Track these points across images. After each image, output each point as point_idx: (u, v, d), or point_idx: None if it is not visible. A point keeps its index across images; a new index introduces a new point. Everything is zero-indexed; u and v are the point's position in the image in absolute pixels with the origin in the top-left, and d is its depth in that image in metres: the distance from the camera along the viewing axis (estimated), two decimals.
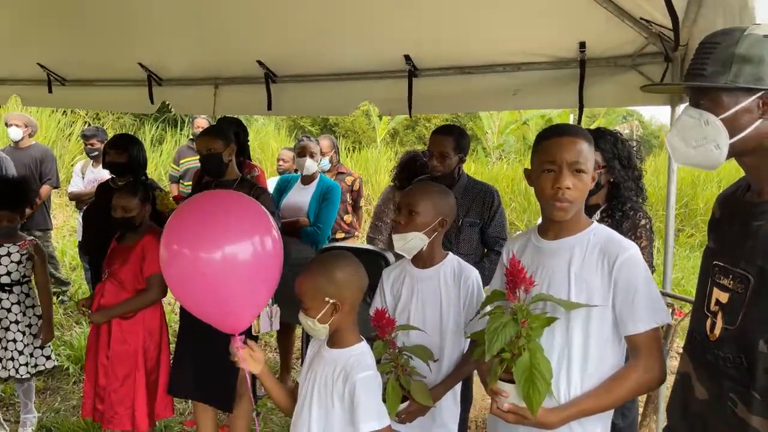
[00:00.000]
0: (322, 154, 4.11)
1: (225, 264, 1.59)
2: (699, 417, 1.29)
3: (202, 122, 5.34)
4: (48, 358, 3.18)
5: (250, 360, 1.68)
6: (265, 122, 11.69)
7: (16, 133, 4.89)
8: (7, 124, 4.99)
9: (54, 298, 4.84)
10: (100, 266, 2.93)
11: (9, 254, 3.05)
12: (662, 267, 2.80)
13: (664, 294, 2.56)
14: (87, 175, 4.94)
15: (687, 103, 1.31)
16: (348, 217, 4.48)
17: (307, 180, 3.80)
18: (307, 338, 2.99)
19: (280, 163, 4.89)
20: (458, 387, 1.95)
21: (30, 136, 5.01)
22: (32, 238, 3.23)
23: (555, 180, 1.47)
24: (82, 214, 4.72)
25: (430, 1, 2.63)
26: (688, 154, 1.29)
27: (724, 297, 1.24)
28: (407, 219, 1.88)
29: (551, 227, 1.56)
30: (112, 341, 2.72)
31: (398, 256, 2.08)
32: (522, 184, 9.94)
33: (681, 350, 4.12)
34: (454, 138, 2.80)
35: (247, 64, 3.55)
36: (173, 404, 2.91)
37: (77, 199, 4.99)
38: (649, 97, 2.70)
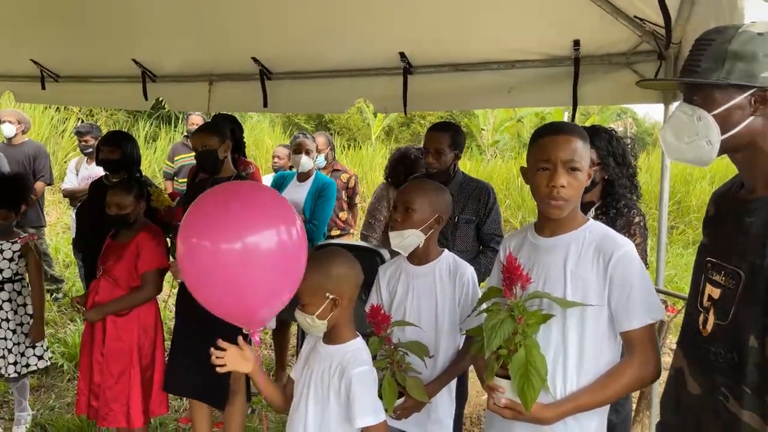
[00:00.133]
0: (318, 151, 4.11)
1: (247, 255, 1.52)
2: (692, 411, 1.31)
3: (196, 119, 5.34)
4: (40, 357, 3.15)
5: (240, 360, 1.64)
6: (260, 119, 11.67)
7: (9, 129, 4.87)
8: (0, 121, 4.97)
9: (48, 296, 4.83)
10: (94, 263, 2.92)
11: (2, 251, 3.03)
12: (655, 264, 2.83)
13: (657, 291, 2.58)
14: (81, 172, 4.92)
15: (681, 100, 1.32)
16: (343, 215, 4.48)
17: (303, 177, 3.80)
18: (302, 335, 3.00)
19: (275, 160, 4.88)
20: (453, 383, 1.97)
21: (23, 132, 4.99)
22: (27, 234, 3.21)
23: (550, 178, 1.48)
24: (75, 211, 4.71)
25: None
26: (681, 150, 1.30)
27: (716, 293, 1.26)
28: (404, 216, 1.89)
29: (547, 224, 1.57)
30: (106, 338, 2.71)
31: (393, 253, 2.09)
32: (516, 182, 9.97)
33: (674, 346, 4.14)
34: (450, 135, 2.81)
35: (241, 61, 3.54)
36: (168, 401, 2.91)
37: (71, 196, 4.97)
38: (643, 95, 2.71)
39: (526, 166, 1.58)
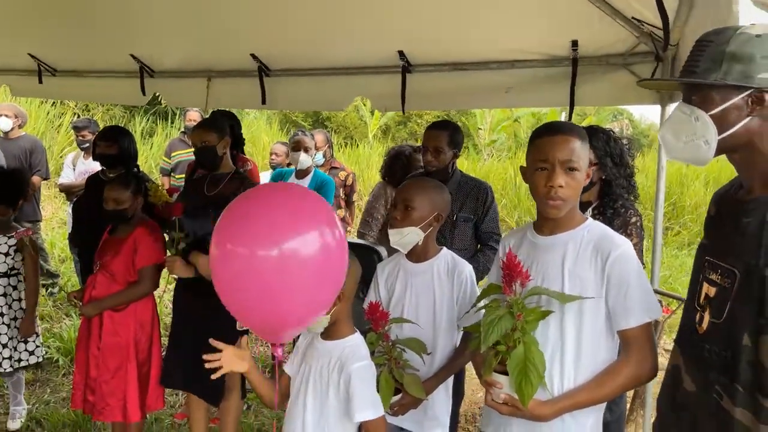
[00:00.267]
0: (317, 148, 4.11)
1: (286, 262, 1.41)
2: (687, 409, 1.32)
3: (194, 115, 5.32)
4: (31, 353, 3.15)
5: (236, 360, 1.63)
6: (257, 116, 11.64)
7: (5, 123, 4.84)
8: None
9: (43, 290, 4.82)
10: (90, 258, 2.92)
11: None
12: (650, 264, 2.84)
13: (655, 291, 2.60)
14: (78, 167, 4.91)
15: (677, 102, 1.34)
16: (341, 212, 4.49)
17: (301, 174, 3.81)
18: None
19: (273, 157, 4.88)
20: (450, 380, 1.98)
21: (20, 126, 4.97)
22: (25, 228, 3.21)
23: (548, 178, 1.49)
24: (72, 206, 4.69)
25: None
26: (679, 149, 1.31)
27: (712, 291, 1.27)
28: (403, 214, 1.90)
29: (546, 223, 1.59)
30: (103, 333, 2.71)
31: (391, 251, 2.10)
32: (513, 181, 10.00)
33: (668, 347, 4.18)
34: (449, 133, 2.83)
35: (240, 58, 3.54)
36: (164, 396, 2.91)
37: (67, 190, 4.96)
38: (640, 96, 2.73)
39: (525, 165, 1.59)
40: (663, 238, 2.78)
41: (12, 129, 4.88)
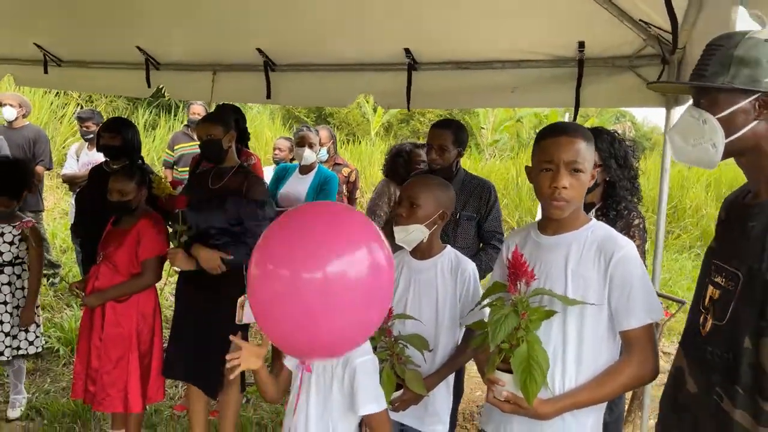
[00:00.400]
0: (321, 144, 4.12)
1: (331, 285, 1.34)
2: (689, 410, 1.33)
3: (198, 108, 5.33)
4: (31, 343, 3.15)
5: (253, 358, 1.61)
6: (260, 111, 11.65)
7: (9, 113, 4.85)
8: (0, 104, 4.95)
9: (44, 281, 4.82)
10: (93, 249, 2.93)
11: (2, 234, 3.04)
12: (651, 267, 2.85)
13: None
14: (81, 158, 4.92)
15: (682, 105, 1.35)
16: None
17: (305, 170, 3.81)
18: None
19: (276, 152, 4.88)
20: (451, 378, 1.99)
21: (24, 116, 4.98)
22: (30, 219, 3.22)
23: (552, 179, 1.50)
24: (75, 196, 4.70)
25: None
26: (687, 152, 1.32)
27: (716, 294, 1.28)
28: (409, 211, 1.91)
29: (550, 223, 1.60)
30: (105, 324, 2.72)
31: (393, 248, 2.11)
32: (515, 181, 10.00)
33: (666, 349, 4.20)
34: (453, 131, 2.83)
35: (246, 52, 3.54)
36: (165, 388, 2.93)
37: (71, 181, 4.96)
38: (645, 99, 2.73)
39: (530, 165, 1.60)
40: (663, 241, 2.79)
41: (16, 118, 4.88)
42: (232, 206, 2.63)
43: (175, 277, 3.03)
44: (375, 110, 12.99)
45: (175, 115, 10.23)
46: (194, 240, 2.66)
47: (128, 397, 2.70)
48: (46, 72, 4.20)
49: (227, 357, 1.57)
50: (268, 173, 4.28)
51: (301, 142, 3.77)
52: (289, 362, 1.76)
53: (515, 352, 1.39)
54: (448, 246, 2.02)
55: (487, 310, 1.53)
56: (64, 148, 8.07)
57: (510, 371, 1.41)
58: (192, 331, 2.74)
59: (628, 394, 2.94)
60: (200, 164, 3.25)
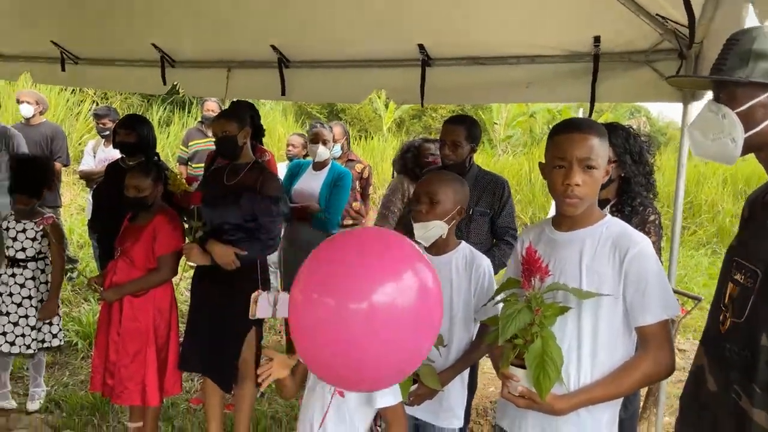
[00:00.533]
0: (335, 141, 4.13)
1: (379, 315, 1.29)
2: (708, 408, 1.33)
3: (212, 105, 5.36)
4: (54, 336, 3.23)
5: (282, 367, 1.64)
6: (273, 107, 11.68)
7: (27, 110, 4.92)
8: (18, 101, 5.02)
9: None
10: (110, 244, 2.97)
11: (25, 231, 3.10)
12: (667, 263, 2.83)
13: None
14: (98, 154, 4.97)
15: (699, 100, 1.35)
16: (356, 205, 4.51)
17: (318, 166, 3.83)
18: None
19: (290, 148, 4.91)
20: (466, 373, 2.00)
21: (41, 113, 5.04)
22: (50, 215, 3.28)
23: (565, 176, 1.50)
24: (92, 192, 4.76)
25: None
26: (707, 147, 1.32)
27: (735, 291, 1.28)
28: (428, 207, 1.92)
29: (564, 220, 1.59)
30: (123, 318, 2.76)
31: None
32: (528, 177, 9.95)
33: (682, 346, 4.15)
34: (466, 127, 2.83)
35: (260, 49, 3.55)
36: (181, 382, 2.96)
37: (87, 177, 5.03)
38: (662, 93, 2.70)
39: (543, 161, 1.60)
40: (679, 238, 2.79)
41: (33, 116, 4.95)
42: (247, 202, 2.65)
43: (191, 273, 3.06)
44: (387, 106, 12.98)
45: (189, 112, 10.29)
46: (209, 235, 2.69)
47: (146, 390, 2.74)
48: (63, 70, 4.24)
49: (259, 371, 1.59)
50: (281, 169, 4.30)
51: (315, 138, 3.79)
52: None
53: (529, 348, 1.40)
54: (463, 242, 2.03)
55: (501, 305, 1.54)
56: (80, 144, 8.16)
57: (524, 367, 1.42)
58: (207, 325, 2.78)
59: (643, 391, 2.92)
60: (215, 160, 3.28)
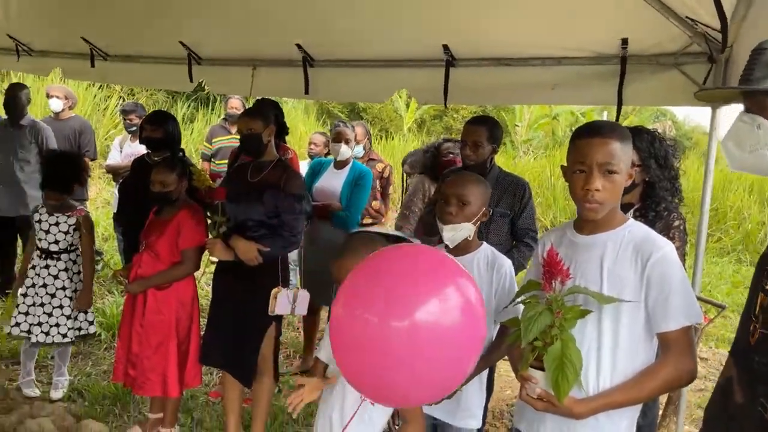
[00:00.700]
0: (357, 141, 4.15)
1: (422, 333, 1.28)
2: (736, 420, 1.31)
3: (236, 103, 5.42)
4: (91, 323, 3.33)
5: (313, 393, 1.65)
6: (295, 105, 11.77)
7: (56, 104, 5.03)
8: (48, 96, 5.13)
9: None
10: (135, 238, 3.03)
11: (58, 224, 3.18)
12: (691, 270, 2.79)
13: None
14: (125, 149, 5.07)
15: (729, 104, 1.33)
16: (376, 204, 4.52)
17: (339, 165, 3.85)
18: None
19: (312, 146, 4.94)
20: (485, 374, 1.99)
21: (70, 108, 5.15)
22: (82, 207, 3.35)
23: (585, 181, 1.49)
24: (118, 187, 4.84)
25: None
26: (743, 159, 1.30)
27: (766, 301, 1.26)
28: (458, 209, 1.93)
29: (586, 223, 1.59)
30: (146, 311, 2.81)
31: (430, 243, 2.12)
32: (549, 181, 9.88)
33: (703, 354, 4.07)
34: (488, 128, 2.83)
35: (285, 47, 3.58)
36: (201, 375, 3.01)
37: (114, 171, 5.13)
38: (690, 97, 2.64)
39: (566, 164, 1.58)
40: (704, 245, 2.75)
41: (62, 110, 5.06)
42: (271, 199, 2.68)
43: (212, 268, 3.10)
44: (408, 106, 12.98)
45: (213, 109, 10.42)
46: (232, 231, 2.72)
47: (167, 382, 2.79)
48: (92, 66, 4.33)
49: (289, 400, 1.61)
50: (302, 167, 4.33)
51: (338, 137, 3.81)
52: (323, 355, 1.79)
53: (549, 350, 1.39)
54: (485, 242, 2.03)
55: (522, 306, 1.53)
56: (106, 139, 8.32)
57: (543, 369, 1.41)
58: (228, 320, 2.81)
59: (663, 398, 2.88)
60: (239, 157, 3.31)
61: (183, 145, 3.57)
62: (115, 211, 4.79)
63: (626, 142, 1.51)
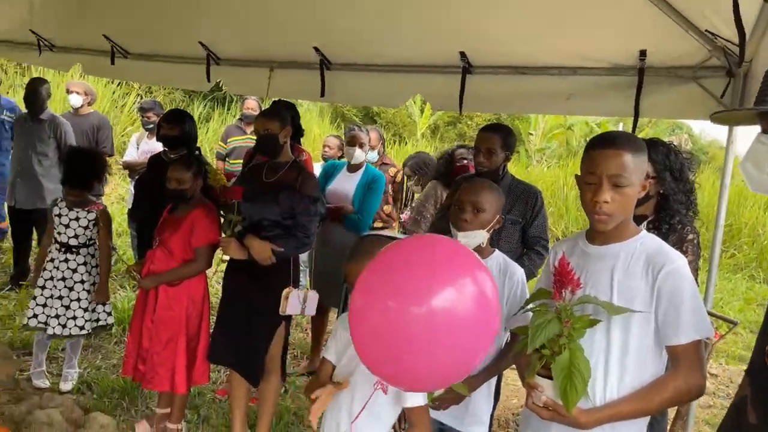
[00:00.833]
0: (371, 146, 4.18)
1: (439, 318, 1.32)
2: None
3: (252, 103, 5.47)
4: (109, 314, 3.39)
5: (330, 397, 1.66)
6: (310, 107, 11.83)
7: (76, 100, 5.10)
8: (68, 91, 5.20)
9: None
10: (149, 234, 3.06)
11: (77, 219, 3.23)
12: (704, 285, 2.77)
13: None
14: (141, 146, 5.13)
15: (746, 126, 1.31)
16: (387, 208, 4.54)
17: (353, 168, 3.87)
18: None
19: (326, 149, 4.97)
20: (493, 381, 2.00)
21: (89, 104, 5.22)
22: (99, 202, 3.41)
23: (594, 193, 1.49)
24: (134, 183, 4.90)
25: (490, 0, 2.65)
26: (763, 181, 1.29)
27: None
28: (472, 216, 1.94)
29: (598, 234, 1.59)
30: (158, 307, 2.84)
31: None
32: (562, 191, 9.84)
33: (714, 371, 4.02)
34: (502, 136, 2.84)
35: (303, 50, 3.61)
36: (209, 372, 3.03)
37: (130, 168, 5.19)
38: (708, 111, 2.61)
39: (579, 174, 1.59)
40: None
41: (82, 106, 5.13)
42: (286, 200, 2.70)
43: (223, 266, 3.13)
44: (422, 111, 13.00)
45: (229, 109, 10.50)
46: (247, 230, 2.74)
47: (175, 378, 2.81)
48: (112, 63, 4.39)
49: (312, 416, 1.61)
50: (316, 169, 4.36)
51: (352, 141, 3.83)
52: (331, 356, 1.80)
53: (557, 359, 1.39)
54: (497, 250, 2.03)
55: (531, 314, 1.54)
56: (123, 136, 8.41)
57: (550, 377, 1.42)
58: (238, 319, 2.82)
59: (671, 412, 2.86)
60: (254, 157, 3.34)
61: (199, 144, 3.60)
62: (129, 207, 4.84)
63: (640, 154, 1.50)
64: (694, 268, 2.29)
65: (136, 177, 4.57)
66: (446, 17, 2.86)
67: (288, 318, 2.87)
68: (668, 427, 2.79)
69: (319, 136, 9.72)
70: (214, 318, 2.99)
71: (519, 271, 1.96)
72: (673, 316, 1.45)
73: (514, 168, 10.59)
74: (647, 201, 2.34)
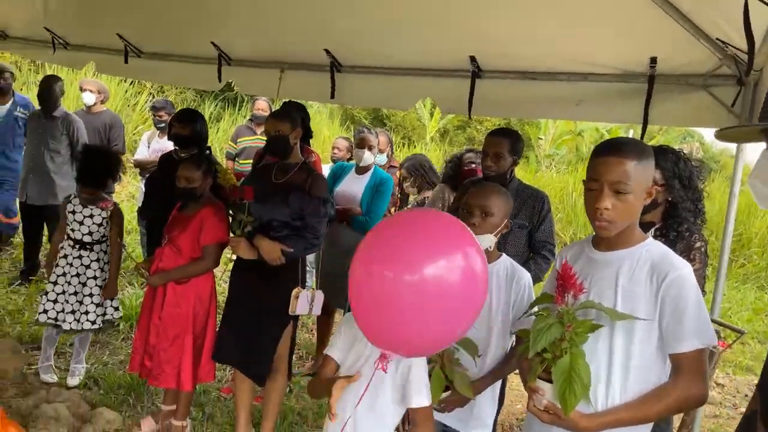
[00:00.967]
0: (380, 150, 4.19)
1: (430, 287, 1.42)
2: None
3: (262, 104, 5.50)
4: (116, 309, 3.42)
5: (340, 391, 1.68)
6: (320, 109, 11.87)
7: (89, 98, 5.15)
8: (81, 89, 5.27)
9: None
10: (158, 231, 3.09)
11: (92, 216, 3.27)
12: (712, 294, 2.75)
13: (712, 320, 2.52)
14: (153, 145, 5.17)
15: (765, 148, 1.30)
16: (394, 210, 4.55)
17: (361, 170, 3.89)
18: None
19: (335, 151, 4.99)
20: (498, 384, 2.00)
21: (102, 102, 5.28)
22: (111, 199, 3.44)
23: (596, 200, 1.49)
24: (144, 181, 4.94)
25: (501, 4, 2.65)
26: None
27: None
28: (481, 220, 1.94)
29: (603, 240, 1.59)
30: (165, 304, 2.87)
31: None
32: (570, 197, 9.81)
33: (720, 380, 3.98)
34: (510, 140, 2.85)
35: (314, 52, 3.63)
36: (215, 370, 3.05)
37: (141, 166, 5.24)
38: (718, 119, 2.62)
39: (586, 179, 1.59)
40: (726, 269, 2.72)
41: (94, 104, 5.18)
42: (296, 201, 2.72)
43: (230, 266, 3.15)
44: (432, 115, 13.00)
45: (239, 109, 10.56)
46: (256, 231, 2.76)
47: (181, 375, 2.84)
48: (126, 62, 4.43)
49: (332, 409, 1.64)
50: (325, 171, 4.38)
51: (361, 143, 3.85)
52: (337, 354, 1.80)
53: (557, 363, 1.40)
54: (504, 254, 2.04)
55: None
56: (134, 134, 8.48)
57: (551, 381, 1.42)
58: (246, 318, 2.84)
59: (676, 421, 2.84)
60: (264, 158, 3.36)
61: (209, 144, 3.63)
62: (139, 205, 4.88)
63: (645, 161, 1.50)
64: (701, 276, 2.29)
65: (147, 175, 4.61)
66: (456, 21, 2.87)
67: (295, 318, 2.88)
68: None
69: (328, 137, 9.76)
70: (221, 317, 3.01)
71: (526, 276, 1.96)
72: (676, 323, 1.45)
73: (522, 173, 10.57)
74: (655, 208, 2.34)
